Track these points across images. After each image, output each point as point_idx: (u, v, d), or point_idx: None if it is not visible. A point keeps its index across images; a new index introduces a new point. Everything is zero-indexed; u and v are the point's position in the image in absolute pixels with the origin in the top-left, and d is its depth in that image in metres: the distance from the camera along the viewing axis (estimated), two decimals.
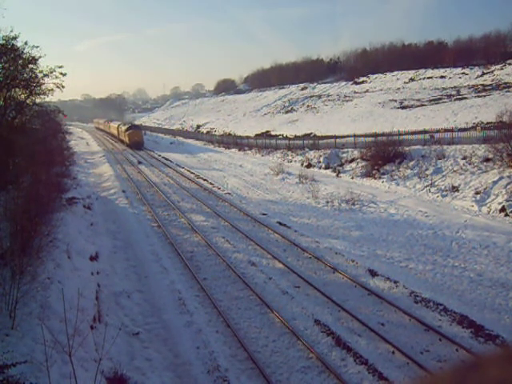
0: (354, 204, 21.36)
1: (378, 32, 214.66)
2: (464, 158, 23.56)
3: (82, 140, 74.70)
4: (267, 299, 12.21)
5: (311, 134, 44.53)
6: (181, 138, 69.40)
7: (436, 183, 22.80)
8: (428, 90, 55.06)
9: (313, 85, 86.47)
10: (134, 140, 57.22)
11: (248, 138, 51.17)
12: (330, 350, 9.72)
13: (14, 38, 19.23)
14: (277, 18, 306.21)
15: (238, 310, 11.82)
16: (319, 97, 69.52)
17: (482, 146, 23.49)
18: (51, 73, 20.61)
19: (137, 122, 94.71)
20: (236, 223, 19.83)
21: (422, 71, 67.51)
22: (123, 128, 61.79)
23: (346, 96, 63.69)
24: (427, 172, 24.11)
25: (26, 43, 19.70)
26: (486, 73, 56.88)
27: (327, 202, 22.24)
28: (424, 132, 29.03)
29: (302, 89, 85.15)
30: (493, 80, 52.00)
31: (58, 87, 21.56)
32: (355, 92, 66.56)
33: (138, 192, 28.17)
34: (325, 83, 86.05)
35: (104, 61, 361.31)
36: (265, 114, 70.29)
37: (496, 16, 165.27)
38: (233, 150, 50.16)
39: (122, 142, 63.54)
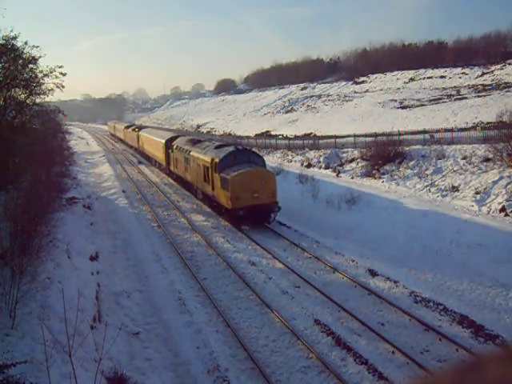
0: (354, 204, 21.35)
1: (378, 32, 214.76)
2: (464, 158, 23.55)
3: (82, 140, 74.70)
4: (267, 299, 12.21)
5: (311, 133, 44.52)
6: None
7: (436, 183, 22.79)
8: (428, 90, 55.03)
9: (313, 85, 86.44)
10: (248, 201, 18.66)
11: (248, 137, 51.13)
12: (330, 350, 9.72)
13: (14, 38, 19.25)
14: (277, 17, 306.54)
15: (237, 310, 11.82)
16: (319, 97, 69.49)
17: (482, 146, 23.48)
18: (51, 73, 20.61)
19: (137, 122, 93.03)
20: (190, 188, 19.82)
21: (421, 71, 67.49)
22: (204, 157, 22.08)
23: (346, 96, 63.66)
24: (427, 172, 24.10)
25: (25, 43, 19.73)
26: (486, 73, 56.85)
27: (327, 202, 22.22)
28: (424, 132, 29.00)
29: (302, 89, 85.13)
30: (493, 80, 51.96)
31: (57, 87, 21.56)
32: (355, 92, 66.54)
33: (138, 192, 28.16)
34: (325, 83, 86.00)
35: (104, 61, 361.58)
36: (265, 114, 70.26)
37: (496, 16, 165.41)
38: None
39: (188, 188, 27.17)
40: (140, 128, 51.62)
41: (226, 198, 18.90)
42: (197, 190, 24.71)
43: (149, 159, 42.10)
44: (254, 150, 27.91)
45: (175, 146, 28.99)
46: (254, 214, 18.58)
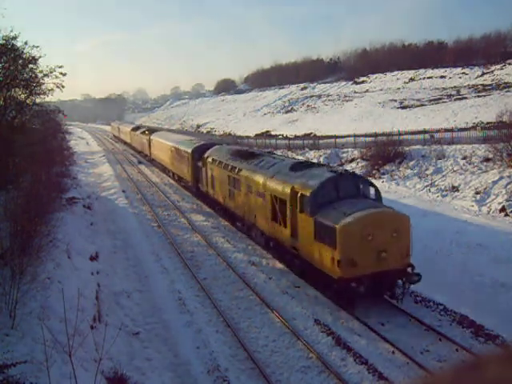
0: None
1: (378, 32, 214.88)
2: (464, 158, 23.57)
3: (82, 140, 74.68)
4: (267, 299, 12.22)
5: (311, 133, 44.54)
6: None
7: (436, 183, 22.80)
8: (428, 90, 55.03)
9: (313, 85, 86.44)
10: (370, 266, 10.90)
11: (248, 137, 51.14)
12: (330, 350, 9.72)
13: (14, 38, 19.22)
14: (277, 17, 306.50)
15: (237, 310, 11.82)
16: (319, 97, 69.50)
17: (482, 145, 23.50)
18: (51, 73, 20.58)
19: (137, 122, 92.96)
20: (236, 223, 19.82)
21: (421, 71, 67.48)
22: (274, 184, 14.48)
23: (346, 96, 63.67)
24: (427, 172, 24.11)
25: (25, 43, 19.69)
26: (486, 73, 56.85)
27: None
28: (424, 132, 29.03)
29: (302, 89, 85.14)
30: (493, 80, 51.97)
31: (57, 87, 21.52)
32: (355, 92, 66.54)
33: (138, 192, 28.16)
34: (325, 83, 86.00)
35: (104, 61, 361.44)
36: (265, 114, 70.28)
37: (496, 16, 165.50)
38: None
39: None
40: (151, 131, 42.03)
41: (329, 259, 11.20)
42: (253, 228, 16.96)
43: (164, 170, 34.73)
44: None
45: (211, 159, 21.63)
46: (378, 286, 11.21)
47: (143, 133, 44.80)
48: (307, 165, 14.91)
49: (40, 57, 20.24)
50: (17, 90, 20.96)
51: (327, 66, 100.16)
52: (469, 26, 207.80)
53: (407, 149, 27.19)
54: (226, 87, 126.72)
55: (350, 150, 32.15)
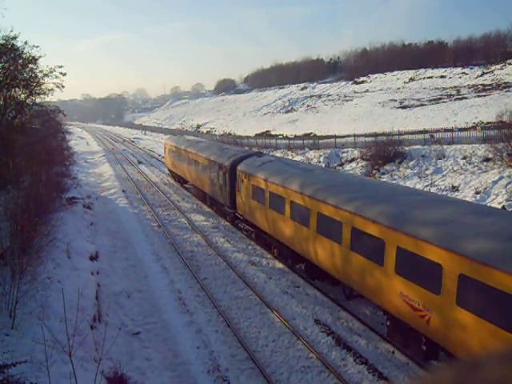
0: None
1: (378, 32, 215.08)
2: (464, 158, 23.57)
3: (82, 140, 74.66)
4: (267, 299, 12.22)
5: (311, 133, 44.54)
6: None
7: (436, 183, 22.80)
8: (428, 90, 55.02)
9: (313, 85, 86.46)
10: None
11: (248, 137, 51.12)
12: (330, 350, 9.72)
13: (14, 38, 19.25)
14: (277, 17, 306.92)
15: (237, 310, 11.82)
16: (319, 97, 69.49)
17: (482, 145, 23.50)
18: (51, 72, 20.62)
19: (137, 122, 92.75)
20: (236, 223, 19.82)
21: (421, 71, 67.49)
22: None
23: (346, 96, 63.66)
24: (427, 172, 24.11)
25: (25, 43, 19.73)
26: (486, 73, 56.86)
27: None
28: (424, 132, 29.03)
29: (302, 89, 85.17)
30: (493, 80, 51.97)
31: (57, 87, 21.56)
32: (355, 92, 66.54)
33: (138, 192, 28.15)
34: (325, 83, 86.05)
35: (104, 61, 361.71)
36: (265, 114, 70.27)
37: (496, 16, 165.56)
38: None
39: None
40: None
41: None
42: None
43: None
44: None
45: None
46: None
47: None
48: None
49: (40, 56, 20.31)
50: (17, 89, 20.99)
51: (327, 66, 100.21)
52: (469, 26, 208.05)
53: (407, 149, 27.18)
54: (226, 87, 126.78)
55: (349, 149, 32.13)
